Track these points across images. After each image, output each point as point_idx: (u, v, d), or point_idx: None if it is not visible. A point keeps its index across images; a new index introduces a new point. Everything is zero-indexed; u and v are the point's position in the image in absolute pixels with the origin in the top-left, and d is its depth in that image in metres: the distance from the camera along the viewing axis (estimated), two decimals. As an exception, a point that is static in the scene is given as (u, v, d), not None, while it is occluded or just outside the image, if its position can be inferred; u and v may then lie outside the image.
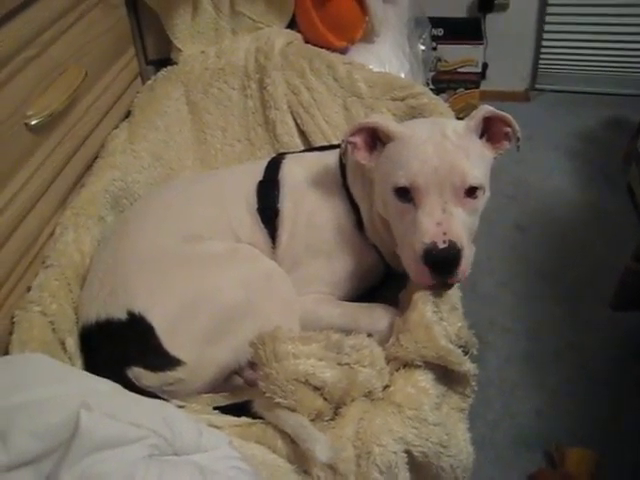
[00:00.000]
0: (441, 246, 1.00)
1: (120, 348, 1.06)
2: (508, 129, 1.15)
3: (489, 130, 1.15)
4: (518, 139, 1.16)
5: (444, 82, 3.20)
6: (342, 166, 1.27)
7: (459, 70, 3.18)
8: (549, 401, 1.88)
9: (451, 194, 1.04)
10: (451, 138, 1.08)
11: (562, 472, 1.63)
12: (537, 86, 3.57)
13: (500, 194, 2.73)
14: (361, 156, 1.18)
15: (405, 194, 1.07)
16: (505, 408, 1.87)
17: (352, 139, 1.17)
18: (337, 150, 1.29)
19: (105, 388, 0.78)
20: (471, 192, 1.06)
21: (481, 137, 1.14)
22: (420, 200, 1.05)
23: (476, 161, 1.08)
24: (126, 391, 0.81)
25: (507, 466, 1.71)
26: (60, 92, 1.25)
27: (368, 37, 1.89)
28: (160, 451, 0.70)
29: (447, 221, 1.02)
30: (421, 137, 1.09)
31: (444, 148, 1.06)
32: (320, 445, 0.86)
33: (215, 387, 1.11)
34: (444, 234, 1.01)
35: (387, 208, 1.13)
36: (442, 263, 1.02)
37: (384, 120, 1.16)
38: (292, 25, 1.81)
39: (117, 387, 0.81)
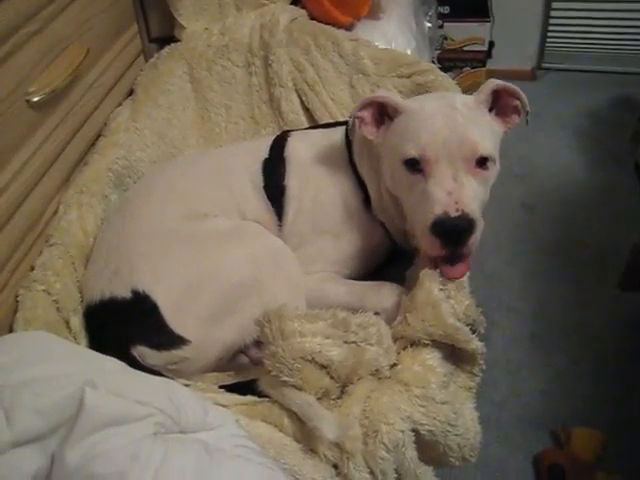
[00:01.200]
0: (453, 215, 0.98)
1: (124, 327, 1.06)
2: (517, 102, 1.13)
3: (498, 104, 1.13)
4: (527, 112, 1.14)
5: (450, 61, 3.16)
6: (348, 143, 1.26)
7: (465, 49, 3.14)
8: (555, 381, 1.87)
9: (462, 164, 1.02)
10: (461, 110, 1.07)
11: (568, 452, 1.63)
12: (544, 65, 3.52)
13: (507, 173, 2.69)
14: (368, 131, 1.16)
15: (414, 165, 1.05)
16: (511, 388, 1.86)
17: (360, 114, 1.15)
18: (343, 127, 1.28)
19: (111, 366, 0.78)
20: (482, 162, 1.04)
21: (490, 111, 1.12)
22: (430, 170, 1.03)
23: (486, 133, 1.07)
24: (132, 369, 0.81)
25: (513, 446, 1.71)
26: (62, 69, 1.23)
27: (374, 13, 1.86)
28: (166, 429, 0.69)
29: (458, 190, 1.00)
30: (430, 110, 1.08)
31: (454, 120, 1.05)
32: (327, 423, 0.86)
33: (220, 366, 1.10)
34: (456, 203, 0.98)
35: (395, 182, 1.12)
36: (453, 233, 0.98)
37: (392, 95, 1.15)
38: (297, 1, 1.79)
39: (123, 365, 0.81)
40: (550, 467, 1.59)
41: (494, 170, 1.08)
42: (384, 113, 1.15)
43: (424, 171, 1.04)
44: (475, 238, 1.00)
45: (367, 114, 1.15)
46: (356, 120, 1.15)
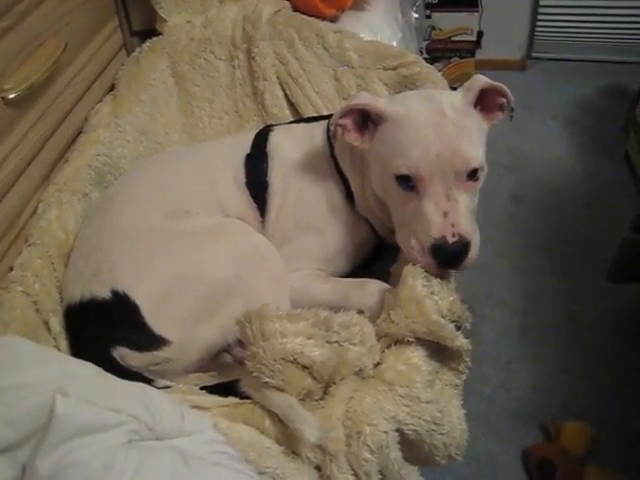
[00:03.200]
0: (451, 240, 0.98)
1: (105, 328, 1.04)
2: (503, 100, 1.12)
3: (483, 100, 1.11)
4: (512, 109, 1.13)
5: (438, 51, 3.15)
6: (330, 138, 1.23)
7: (454, 39, 3.12)
8: (545, 374, 1.87)
9: (454, 179, 1.01)
10: (450, 117, 1.04)
11: (558, 446, 1.62)
12: (533, 54, 3.51)
13: (496, 165, 2.69)
14: (352, 138, 1.13)
15: (406, 181, 1.03)
16: (501, 382, 1.86)
17: (341, 121, 1.12)
18: (325, 122, 1.26)
19: (85, 372, 0.76)
20: (473, 174, 1.03)
21: (474, 107, 1.10)
22: (424, 188, 1.01)
23: (476, 139, 1.05)
24: (107, 375, 0.79)
25: (503, 440, 1.70)
26: (39, 65, 1.21)
27: (359, 5, 1.84)
28: (140, 436, 0.68)
29: (454, 211, 0.99)
30: (418, 118, 1.04)
31: (445, 131, 1.02)
32: (309, 425, 0.84)
33: (203, 365, 1.09)
34: (452, 226, 0.98)
35: (386, 193, 1.10)
36: (451, 258, 1.00)
37: (374, 100, 1.11)
38: (280, -7, 1.76)
39: (98, 371, 0.79)
40: (540, 462, 1.59)
41: (483, 176, 1.06)
42: (367, 118, 1.12)
43: (417, 188, 1.02)
44: (472, 255, 1.01)
45: (349, 121, 1.12)
46: (338, 128, 1.13)
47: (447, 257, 0.99)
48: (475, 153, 1.03)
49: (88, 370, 0.77)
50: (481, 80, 1.09)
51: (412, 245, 1.02)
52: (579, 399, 1.78)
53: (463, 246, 0.99)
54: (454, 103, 1.07)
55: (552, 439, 1.66)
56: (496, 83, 1.10)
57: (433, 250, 0.99)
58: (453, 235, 0.98)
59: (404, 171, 1.02)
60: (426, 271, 1.01)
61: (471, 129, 1.05)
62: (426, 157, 1.00)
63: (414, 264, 1.02)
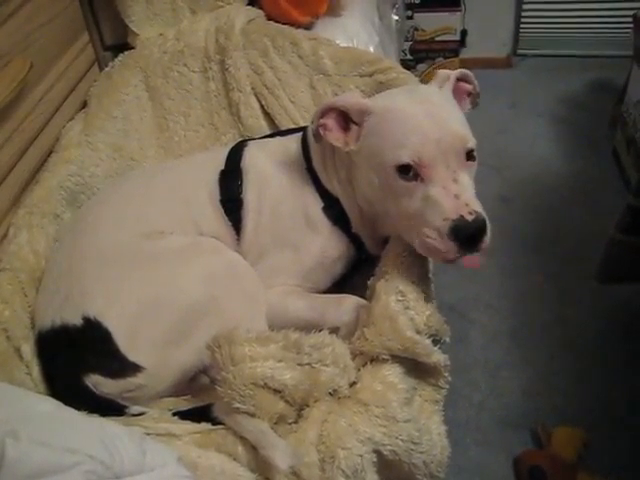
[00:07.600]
0: (470, 218, 0.94)
1: (76, 355, 1.02)
2: (470, 86, 1.16)
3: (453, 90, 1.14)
4: (478, 95, 1.18)
5: (422, 52, 3.12)
6: (306, 150, 1.21)
7: (437, 39, 3.11)
8: (535, 379, 1.84)
9: (456, 162, 0.99)
10: (437, 103, 1.05)
11: (548, 452, 1.60)
12: (519, 51, 3.50)
13: (483, 165, 2.62)
14: (334, 137, 1.10)
15: (407, 171, 1.00)
16: (491, 388, 1.82)
17: (322, 121, 1.09)
18: (300, 134, 1.24)
19: (41, 409, 0.73)
20: (470, 154, 1.02)
21: None
22: (428, 175, 0.98)
23: (464, 122, 1.06)
24: (66, 410, 0.76)
25: (493, 448, 1.66)
26: (3, 86, 1.18)
27: (334, 11, 1.82)
28: (98, 476, 0.65)
29: (463, 192, 0.97)
30: (406, 108, 1.04)
31: (437, 116, 1.02)
32: (280, 452, 0.83)
33: (179, 389, 1.07)
34: (466, 205, 0.95)
35: (384, 189, 1.06)
36: (473, 236, 0.95)
37: (355, 98, 1.10)
38: (253, 2, 1.74)
39: (56, 406, 0.76)
40: (530, 469, 1.56)
41: (476, 157, 1.06)
42: (348, 118, 1.09)
43: (420, 176, 0.99)
44: (488, 236, 0.98)
45: (330, 121, 1.10)
46: (319, 129, 1.10)
47: (469, 236, 0.95)
48: (469, 133, 1.03)
49: (45, 406, 0.74)
50: (452, 71, 1.14)
51: (427, 234, 0.98)
52: (570, 403, 1.76)
53: (482, 223, 0.96)
54: (434, 92, 1.10)
55: (542, 445, 1.64)
56: (465, 70, 1.17)
57: (454, 232, 0.94)
58: (470, 213, 0.95)
59: (406, 159, 0.99)
60: (446, 259, 0.98)
61: (457, 113, 1.07)
62: (426, 143, 0.99)
63: (432, 255, 1.01)
